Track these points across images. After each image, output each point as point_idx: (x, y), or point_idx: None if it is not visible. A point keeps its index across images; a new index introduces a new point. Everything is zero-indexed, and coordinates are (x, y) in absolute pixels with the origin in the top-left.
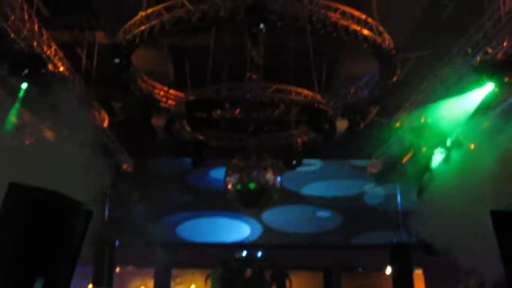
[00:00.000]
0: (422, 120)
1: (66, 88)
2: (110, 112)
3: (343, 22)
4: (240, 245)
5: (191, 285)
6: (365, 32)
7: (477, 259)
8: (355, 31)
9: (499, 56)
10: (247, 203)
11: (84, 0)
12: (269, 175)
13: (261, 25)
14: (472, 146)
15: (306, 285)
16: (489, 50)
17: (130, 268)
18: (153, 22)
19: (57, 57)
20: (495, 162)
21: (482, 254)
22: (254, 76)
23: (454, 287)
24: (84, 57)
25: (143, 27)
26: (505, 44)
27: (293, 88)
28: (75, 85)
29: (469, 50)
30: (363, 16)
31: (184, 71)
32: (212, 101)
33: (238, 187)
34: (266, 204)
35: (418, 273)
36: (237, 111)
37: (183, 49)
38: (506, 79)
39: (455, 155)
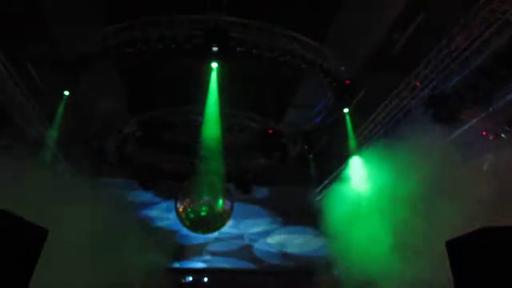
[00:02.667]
0: None
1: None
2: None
3: (300, 52)
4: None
5: None
6: (321, 61)
7: None
8: (311, 61)
9: (447, 91)
10: (198, 228)
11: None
12: (220, 200)
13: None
14: None
15: None
16: (437, 85)
17: None
18: (110, 42)
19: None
20: None
21: None
22: None
23: None
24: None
25: (99, 46)
26: (452, 79)
27: (249, 114)
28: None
29: (418, 84)
30: (320, 47)
31: (138, 93)
32: (166, 123)
33: (189, 212)
34: (217, 229)
35: None
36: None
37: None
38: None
39: None
